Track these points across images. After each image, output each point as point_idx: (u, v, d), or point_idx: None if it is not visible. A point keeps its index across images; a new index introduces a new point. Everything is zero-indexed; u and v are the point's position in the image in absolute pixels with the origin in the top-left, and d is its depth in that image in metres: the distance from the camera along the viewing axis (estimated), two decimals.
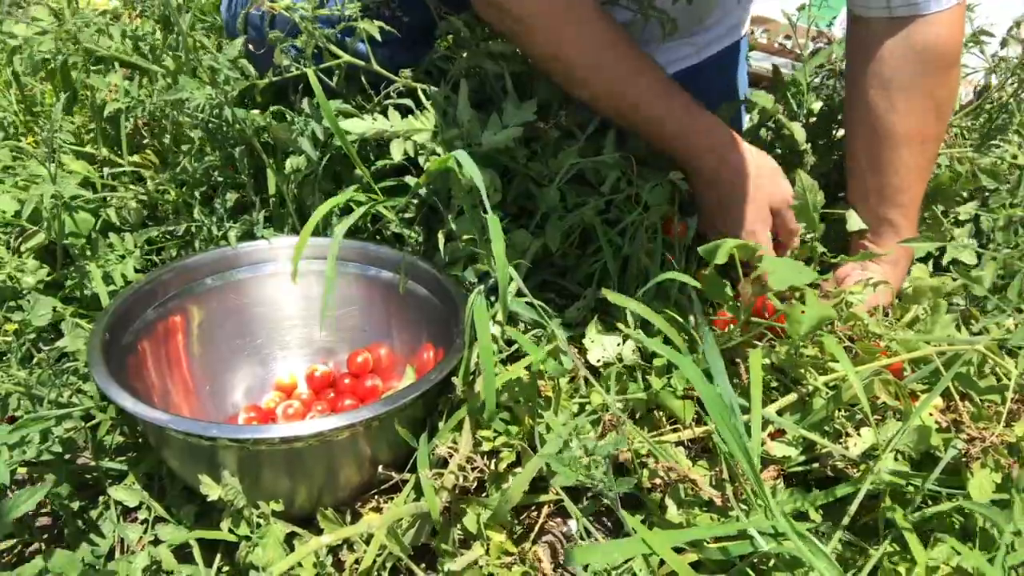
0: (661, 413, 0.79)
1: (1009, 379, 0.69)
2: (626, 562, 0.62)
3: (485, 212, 0.88)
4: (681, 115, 0.88)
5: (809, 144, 0.99)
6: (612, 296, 0.77)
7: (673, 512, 0.70)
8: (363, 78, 0.96)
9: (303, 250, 0.79)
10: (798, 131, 0.98)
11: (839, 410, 0.72)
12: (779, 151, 1.07)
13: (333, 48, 0.92)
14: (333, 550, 0.70)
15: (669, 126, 0.89)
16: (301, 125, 0.96)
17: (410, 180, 0.96)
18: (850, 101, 0.93)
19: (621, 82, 0.87)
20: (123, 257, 0.98)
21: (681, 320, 0.81)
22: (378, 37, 0.90)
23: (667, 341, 0.73)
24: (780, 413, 0.74)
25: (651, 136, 0.91)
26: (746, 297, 0.73)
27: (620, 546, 0.57)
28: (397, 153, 0.89)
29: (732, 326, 0.79)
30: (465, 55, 0.97)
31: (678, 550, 0.62)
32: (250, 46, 0.98)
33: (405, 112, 0.94)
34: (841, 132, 1.07)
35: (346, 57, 0.93)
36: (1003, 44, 1.06)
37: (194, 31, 1.23)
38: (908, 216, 0.92)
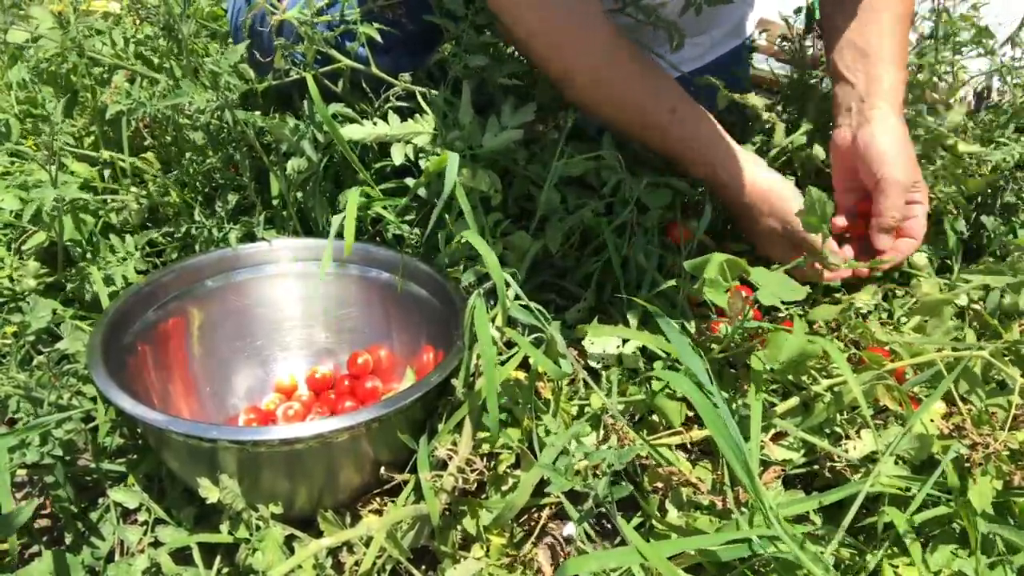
0: (660, 415, 0.79)
1: (1014, 385, 0.69)
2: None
3: (486, 214, 0.88)
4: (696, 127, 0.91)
5: (772, 114, 1.00)
6: (592, 330, 0.78)
7: (673, 515, 0.70)
8: (364, 83, 0.96)
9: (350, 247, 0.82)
10: (754, 99, 0.98)
11: (840, 413, 0.72)
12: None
13: (333, 53, 0.92)
14: (333, 552, 0.70)
15: (669, 141, 0.91)
16: (302, 128, 0.96)
17: (410, 182, 0.96)
18: None
19: (627, 101, 0.90)
20: (124, 259, 0.98)
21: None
22: (378, 39, 0.90)
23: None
24: (782, 417, 0.74)
25: (655, 149, 0.94)
26: (736, 309, 0.73)
27: (614, 555, 0.57)
28: (398, 157, 0.89)
29: (728, 328, 0.79)
30: (466, 56, 0.97)
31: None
32: (255, 51, 0.98)
33: (406, 115, 0.94)
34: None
35: (345, 61, 0.93)
36: (1012, 43, 1.05)
37: (197, 37, 1.23)
38: (900, 73, 0.91)
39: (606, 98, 0.90)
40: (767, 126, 1.02)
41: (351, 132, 0.88)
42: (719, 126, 0.92)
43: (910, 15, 0.95)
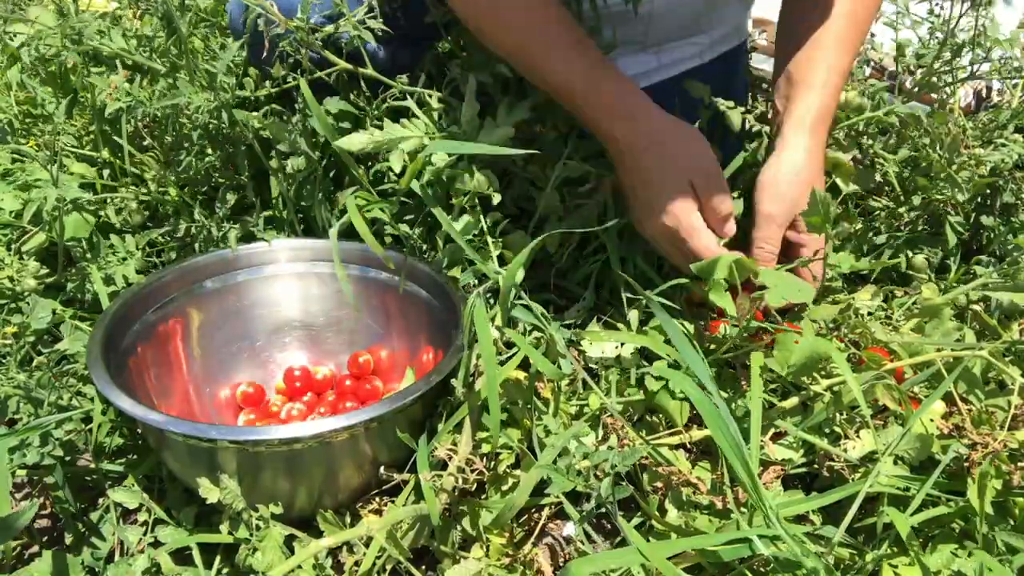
0: (660, 416, 0.79)
1: (1013, 386, 0.69)
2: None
3: (485, 214, 0.88)
4: (587, 75, 0.84)
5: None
6: (591, 335, 0.77)
7: (673, 515, 0.70)
8: (361, 81, 0.96)
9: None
10: (734, 116, 0.97)
11: (840, 413, 0.72)
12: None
13: (330, 56, 0.92)
14: (332, 552, 0.70)
15: (577, 87, 0.84)
16: (299, 127, 0.96)
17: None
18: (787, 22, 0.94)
19: (528, 42, 0.85)
20: (124, 259, 0.98)
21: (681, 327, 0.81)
22: (373, 43, 0.90)
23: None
24: (782, 417, 0.74)
25: (563, 99, 0.87)
26: (743, 312, 0.73)
27: (615, 556, 0.57)
28: (397, 163, 0.89)
29: (726, 328, 0.79)
30: (464, 55, 0.97)
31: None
32: (255, 46, 0.98)
33: (405, 114, 0.94)
34: None
35: (342, 64, 0.93)
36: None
37: (196, 30, 1.23)
38: (819, 97, 0.87)
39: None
40: (753, 130, 1.02)
41: (348, 143, 0.88)
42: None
43: (857, 36, 0.90)
